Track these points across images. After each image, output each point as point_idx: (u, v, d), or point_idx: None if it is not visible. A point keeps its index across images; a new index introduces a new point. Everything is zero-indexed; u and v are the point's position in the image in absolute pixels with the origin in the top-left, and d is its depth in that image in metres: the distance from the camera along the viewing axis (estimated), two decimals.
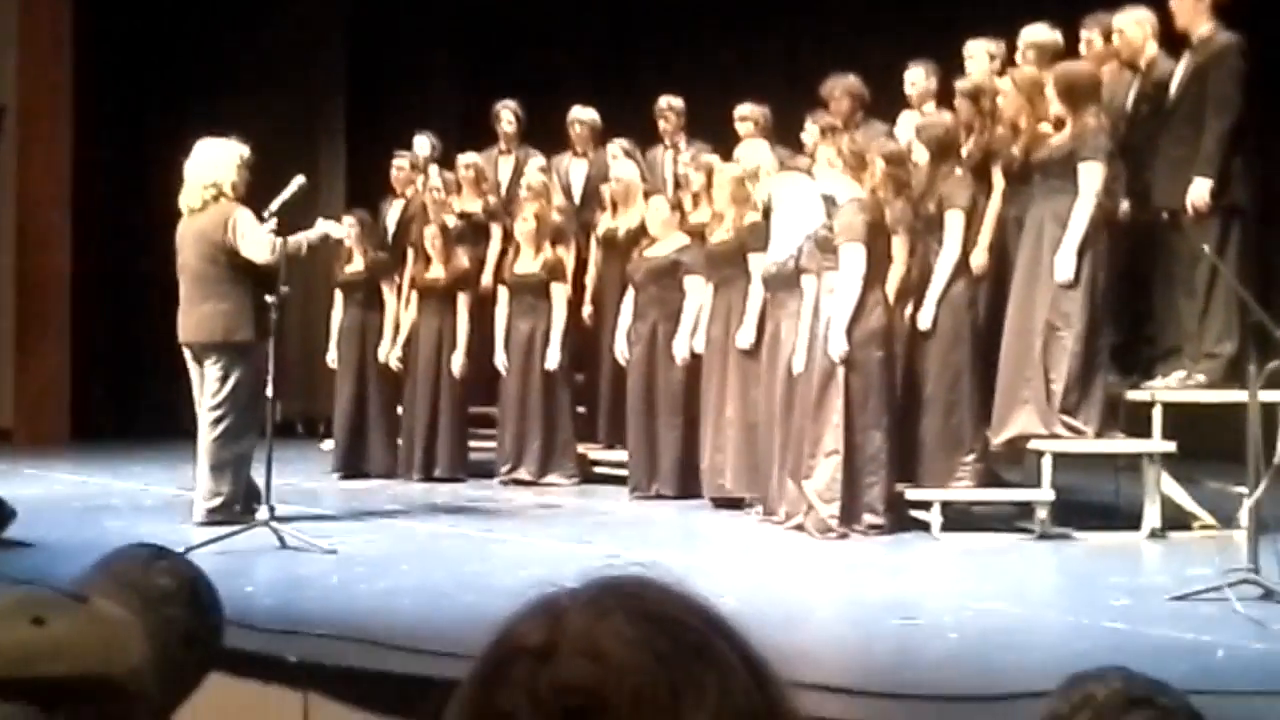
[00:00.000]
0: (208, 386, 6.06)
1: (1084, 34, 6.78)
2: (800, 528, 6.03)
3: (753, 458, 6.74)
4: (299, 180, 5.98)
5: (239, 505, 6.06)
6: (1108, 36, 6.73)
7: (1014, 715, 3.29)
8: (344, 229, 6.37)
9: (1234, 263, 6.03)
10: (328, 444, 8.62)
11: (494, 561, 5.57)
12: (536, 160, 8.76)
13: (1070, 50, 6.81)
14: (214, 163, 6.13)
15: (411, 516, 6.83)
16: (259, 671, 3.77)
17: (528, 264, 8.02)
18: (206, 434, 6.05)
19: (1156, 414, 5.99)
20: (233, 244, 5.99)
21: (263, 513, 5.77)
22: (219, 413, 6.02)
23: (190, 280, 6.14)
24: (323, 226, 6.39)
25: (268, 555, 5.58)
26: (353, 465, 8.28)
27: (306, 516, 6.38)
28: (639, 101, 8.97)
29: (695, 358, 7.24)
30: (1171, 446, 5.93)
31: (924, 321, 6.19)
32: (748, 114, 8.06)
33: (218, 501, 6.02)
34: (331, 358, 8.48)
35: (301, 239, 6.21)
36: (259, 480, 5.99)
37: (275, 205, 5.95)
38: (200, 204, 6.11)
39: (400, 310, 8.36)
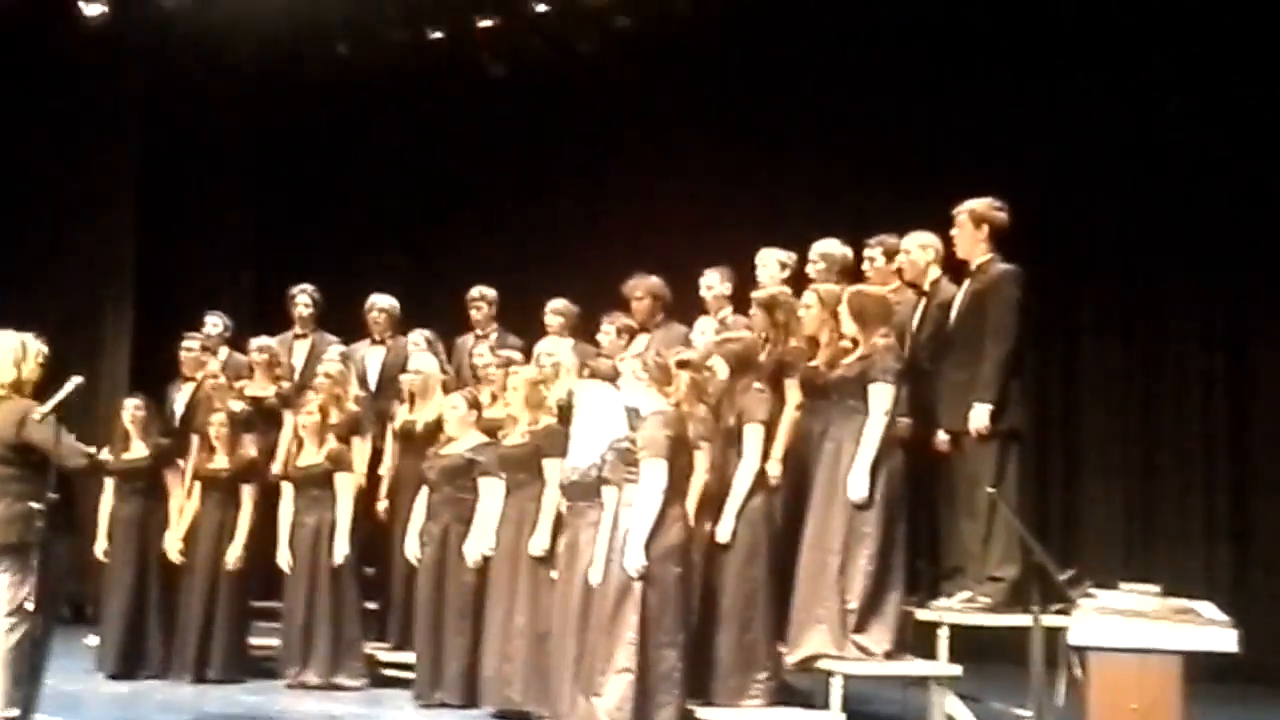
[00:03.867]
0: (2, 592, 5.66)
1: (867, 253, 7.03)
2: None
3: (542, 669, 6.59)
4: (75, 380, 5.70)
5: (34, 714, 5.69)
6: (890, 256, 6.99)
7: None
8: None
9: (1013, 484, 6.25)
10: (93, 639, 8.12)
11: None
12: (335, 348, 8.61)
13: (856, 265, 7.07)
14: (14, 361, 5.85)
15: None
16: None
17: (311, 456, 7.82)
18: (3, 642, 5.62)
19: (943, 636, 6.12)
20: (27, 440, 5.69)
21: None
22: (16, 618, 5.62)
23: None
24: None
25: None
26: (124, 664, 7.82)
27: None
28: (438, 291, 8.97)
29: (488, 561, 7.10)
30: (958, 670, 6.04)
31: (723, 535, 6.21)
32: (560, 309, 8.13)
33: (16, 713, 5.58)
34: (103, 549, 8.04)
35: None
36: None
37: (49, 406, 5.66)
38: None
39: (184, 500, 8.02)
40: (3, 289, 9.23)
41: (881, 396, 6.16)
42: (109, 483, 8.07)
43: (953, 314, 6.57)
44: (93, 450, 5.84)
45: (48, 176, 10.26)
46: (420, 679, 7.25)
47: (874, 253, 6.99)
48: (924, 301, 6.78)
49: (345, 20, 10.33)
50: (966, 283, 6.58)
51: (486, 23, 10.34)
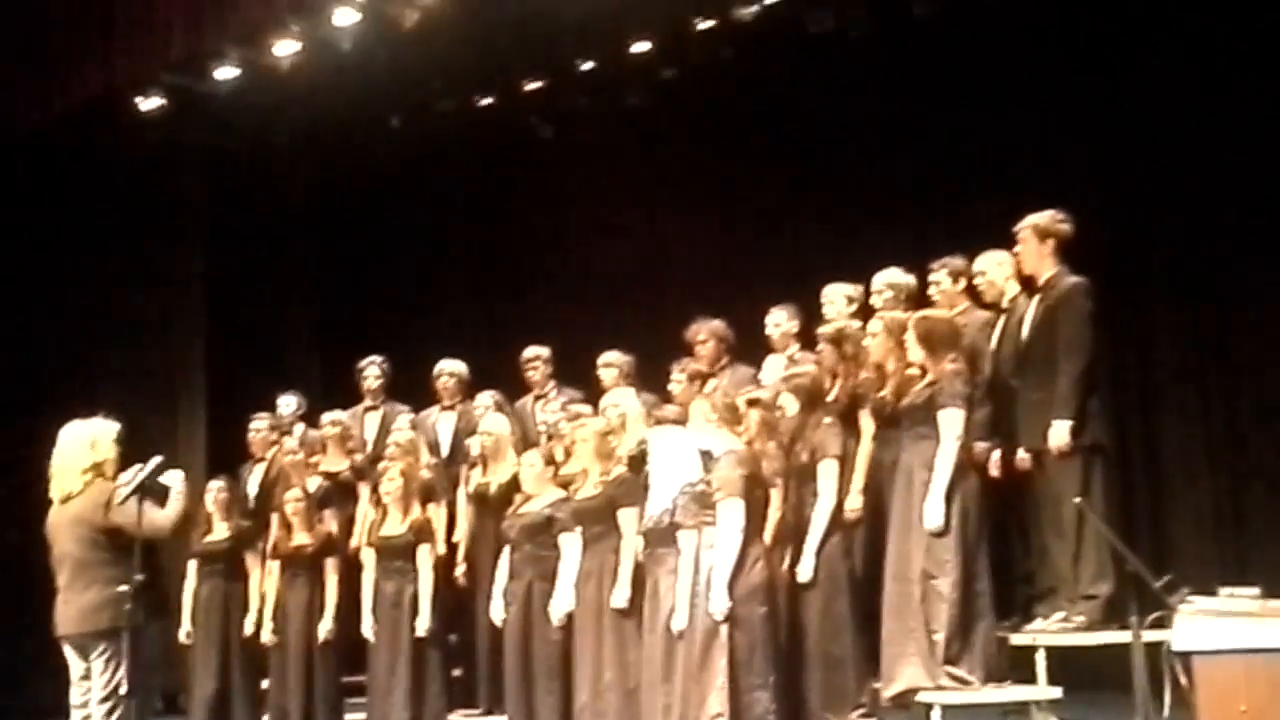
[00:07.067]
0: (97, 678, 5.72)
1: (932, 277, 6.95)
2: None
3: None
4: (157, 459, 5.77)
5: None
6: (955, 278, 6.91)
7: None
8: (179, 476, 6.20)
9: (1099, 501, 6.10)
10: None
11: None
12: (405, 416, 8.64)
13: (921, 291, 6.99)
14: (89, 445, 5.93)
15: None
16: None
17: (394, 526, 7.80)
18: None
19: (1040, 659, 5.96)
20: (114, 523, 5.73)
21: None
22: (111, 703, 5.66)
23: (71, 569, 5.84)
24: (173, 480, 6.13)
25: None
26: None
27: None
28: (503, 353, 8.98)
29: (572, 618, 7.02)
30: (1058, 693, 5.88)
31: (804, 574, 6.12)
32: (611, 361, 8.09)
33: None
34: (185, 632, 8.09)
35: (180, 501, 6.00)
36: None
37: (133, 485, 5.72)
38: (80, 488, 5.87)
39: (264, 579, 8.05)
40: (76, 381, 9.40)
41: (952, 422, 6.05)
42: (191, 565, 8.14)
43: (1024, 331, 6.47)
44: (172, 512, 5.84)
45: (115, 268, 10.45)
46: None
47: (939, 276, 6.90)
48: (1004, 319, 6.68)
49: (395, 94, 10.48)
50: (1036, 298, 6.49)
51: (533, 85, 10.43)
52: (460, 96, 10.59)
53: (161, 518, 5.80)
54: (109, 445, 5.99)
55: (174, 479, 6.00)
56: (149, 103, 9.72)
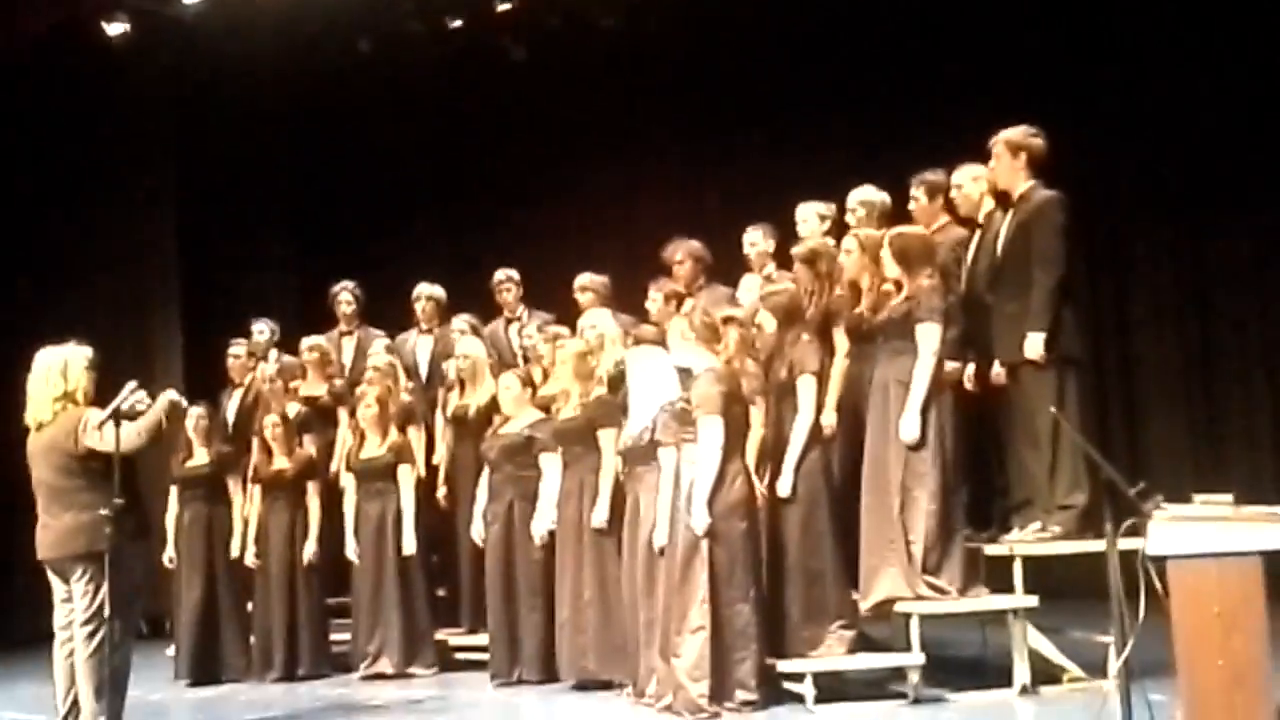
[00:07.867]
0: (78, 601, 5.74)
1: (912, 192, 6.95)
2: (670, 708, 5.89)
3: (616, 638, 6.60)
4: (130, 386, 5.73)
5: None
6: (933, 194, 6.91)
7: None
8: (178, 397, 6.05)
9: (1074, 413, 6.15)
10: (172, 650, 8.20)
11: None
12: (381, 341, 8.64)
13: (899, 208, 6.99)
14: (60, 372, 5.89)
15: None
16: None
17: (373, 448, 7.85)
18: (82, 651, 5.69)
19: (1017, 568, 6.05)
20: (86, 448, 5.72)
21: None
22: (93, 626, 5.67)
23: (47, 494, 5.83)
24: (164, 397, 6.05)
25: None
26: (203, 670, 7.91)
27: None
28: (475, 277, 8.96)
29: (554, 536, 7.10)
30: (1034, 601, 5.97)
31: (783, 489, 6.17)
32: (587, 284, 8.08)
33: None
34: (169, 556, 8.13)
35: (157, 413, 5.83)
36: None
37: (107, 413, 5.69)
38: (51, 416, 5.86)
39: (245, 504, 8.09)
40: (48, 306, 9.36)
41: (929, 336, 6.10)
42: (172, 490, 8.16)
43: (998, 245, 6.49)
44: (144, 423, 5.77)
45: (86, 194, 10.36)
46: (497, 659, 7.27)
47: (917, 191, 6.89)
48: (979, 234, 6.69)
49: (364, 16, 10.34)
50: (1010, 213, 6.49)
51: (504, 6, 10.32)
52: (430, 18, 10.47)
53: (133, 431, 5.71)
54: (80, 372, 5.93)
55: (161, 399, 5.90)
56: (114, 27, 9.58)
